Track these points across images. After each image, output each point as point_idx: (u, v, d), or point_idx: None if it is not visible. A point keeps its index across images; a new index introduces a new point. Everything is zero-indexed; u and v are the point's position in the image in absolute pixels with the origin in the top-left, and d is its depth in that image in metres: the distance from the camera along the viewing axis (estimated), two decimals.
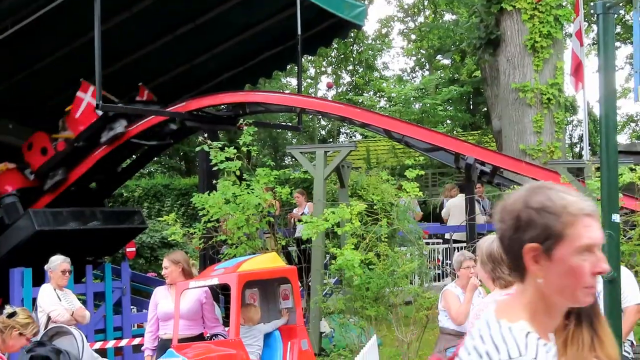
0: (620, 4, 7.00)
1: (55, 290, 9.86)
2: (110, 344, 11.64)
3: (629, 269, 8.10)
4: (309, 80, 35.82)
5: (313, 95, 32.09)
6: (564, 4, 15.73)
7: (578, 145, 31.55)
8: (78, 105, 12.76)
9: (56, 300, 9.74)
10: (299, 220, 12.93)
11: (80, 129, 12.78)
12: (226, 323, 8.99)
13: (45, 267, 9.98)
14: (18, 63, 13.26)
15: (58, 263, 9.90)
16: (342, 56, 35.78)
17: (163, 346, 8.57)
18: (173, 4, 12.87)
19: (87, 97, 12.65)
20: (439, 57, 36.01)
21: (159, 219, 14.00)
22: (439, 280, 15.97)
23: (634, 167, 9.98)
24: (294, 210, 15.29)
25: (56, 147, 13.06)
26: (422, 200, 17.06)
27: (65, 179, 13.04)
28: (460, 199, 16.64)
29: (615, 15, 6.32)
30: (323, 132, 36.27)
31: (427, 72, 37.13)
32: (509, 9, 15.47)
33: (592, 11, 6.07)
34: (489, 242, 5.09)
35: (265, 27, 14.01)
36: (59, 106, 13.55)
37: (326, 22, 14.04)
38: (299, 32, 12.77)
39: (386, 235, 10.72)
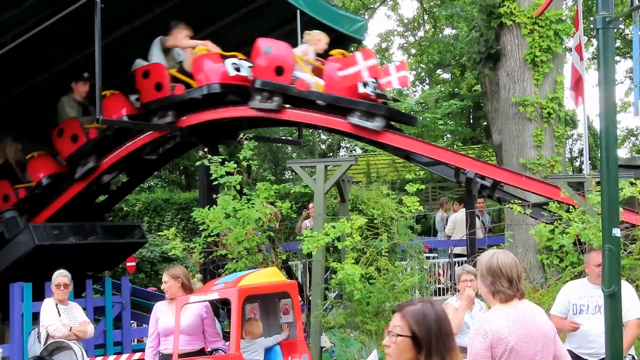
0: (620, 19, 7.03)
1: (57, 305, 9.86)
2: (111, 359, 11.60)
3: (629, 283, 8.10)
4: None
5: None
6: (563, 18, 15.75)
7: (578, 160, 31.57)
8: (347, 65, 11.02)
9: (55, 315, 9.73)
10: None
11: (335, 88, 11.10)
12: (226, 337, 8.98)
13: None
14: (18, 76, 13.27)
15: (55, 277, 9.94)
16: None
17: None
18: (172, 18, 12.89)
19: (362, 65, 10.86)
20: (439, 71, 36.06)
21: (159, 233, 13.97)
22: (440, 295, 15.95)
23: (634, 181, 9.98)
24: (307, 222, 15.32)
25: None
26: (422, 214, 17.06)
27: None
28: (462, 213, 16.67)
29: (615, 30, 6.33)
30: (323, 146, 36.29)
31: (427, 86, 37.17)
32: (509, 24, 15.49)
33: (591, 25, 6.09)
34: (489, 257, 5.10)
35: None
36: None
37: None
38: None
39: (386, 250, 10.71)
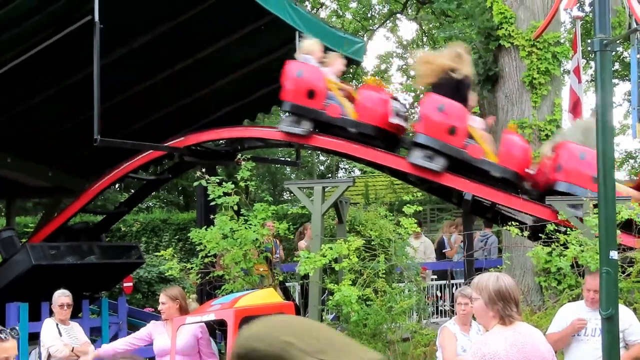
0: (619, 41, 7.05)
1: (57, 325, 9.82)
2: None
3: (627, 306, 8.09)
4: None
5: None
6: (562, 40, 15.78)
7: None
8: None
9: (56, 335, 9.69)
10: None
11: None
12: (222, 358, 8.95)
13: None
14: (17, 96, 13.26)
15: (57, 297, 9.90)
16: None
17: None
18: (172, 40, 12.92)
19: None
20: None
21: (157, 253, 13.94)
22: (438, 317, 15.90)
23: (632, 203, 9.97)
24: (303, 242, 15.28)
25: None
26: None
27: None
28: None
29: (613, 53, 6.35)
30: (322, 168, 36.28)
31: None
32: (507, 46, 15.52)
33: (589, 48, 6.10)
34: (494, 280, 5.04)
35: (264, 63, 14.07)
36: (59, 139, 13.54)
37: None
38: None
39: (384, 271, 10.69)
